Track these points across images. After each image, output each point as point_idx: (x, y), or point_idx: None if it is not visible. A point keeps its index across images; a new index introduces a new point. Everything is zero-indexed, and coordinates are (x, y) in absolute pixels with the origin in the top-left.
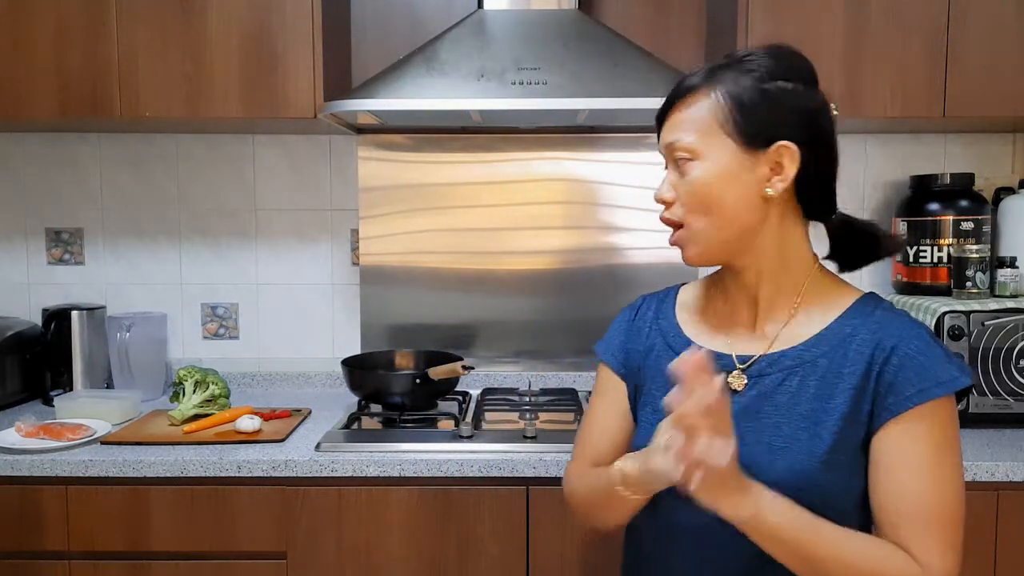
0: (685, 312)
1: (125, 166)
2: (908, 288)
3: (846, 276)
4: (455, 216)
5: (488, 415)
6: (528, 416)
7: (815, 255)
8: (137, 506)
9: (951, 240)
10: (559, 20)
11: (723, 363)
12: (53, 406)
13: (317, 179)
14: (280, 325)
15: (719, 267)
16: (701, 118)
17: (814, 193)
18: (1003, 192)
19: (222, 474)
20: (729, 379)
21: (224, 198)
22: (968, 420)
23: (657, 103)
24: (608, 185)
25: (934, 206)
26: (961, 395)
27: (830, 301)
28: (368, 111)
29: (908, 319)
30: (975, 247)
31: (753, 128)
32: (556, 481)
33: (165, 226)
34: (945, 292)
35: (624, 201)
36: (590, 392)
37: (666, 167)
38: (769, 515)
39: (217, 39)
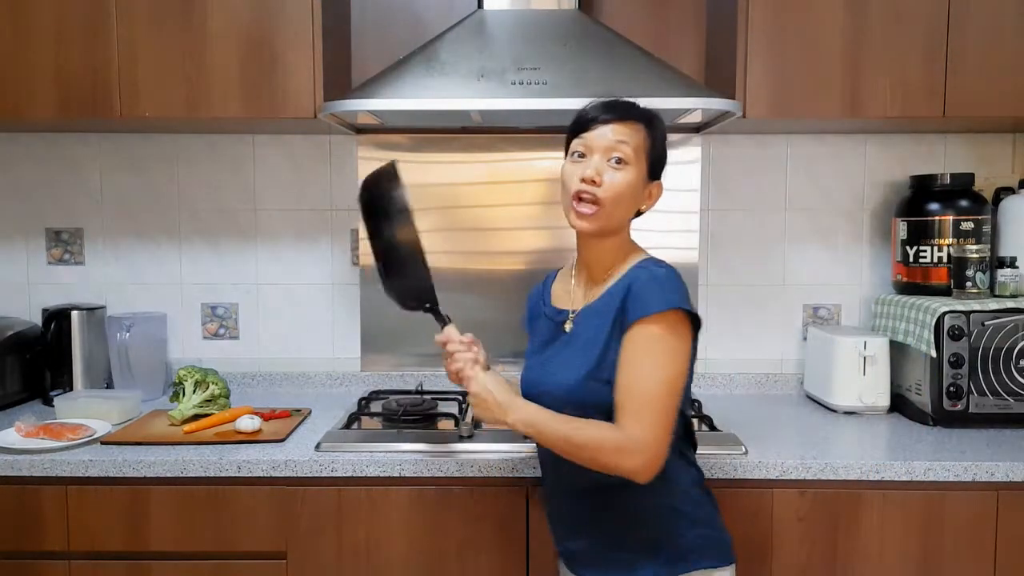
0: (555, 287)
1: (125, 166)
2: (908, 288)
3: None
4: (455, 216)
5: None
6: None
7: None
8: (137, 506)
9: (951, 240)
10: (559, 20)
11: (563, 315)
12: (53, 406)
13: (317, 179)
14: (280, 325)
15: (575, 257)
16: (638, 140)
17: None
18: (1003, 192)
19: (222, 474)
20: (564, 324)
21: (224, 198)
22: (968, 420)
23: (657, 103)
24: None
25: (934, 206)
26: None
27: (623, 267)
28: (368, 111)
29: (652, 266)
30: (975, 247)
31: (655, 164)
32: None
33: (165, 226)
34: (945, 292)
35: None
36: None
37: (582, 156)
38: (524, 416)
39: (217, 39)
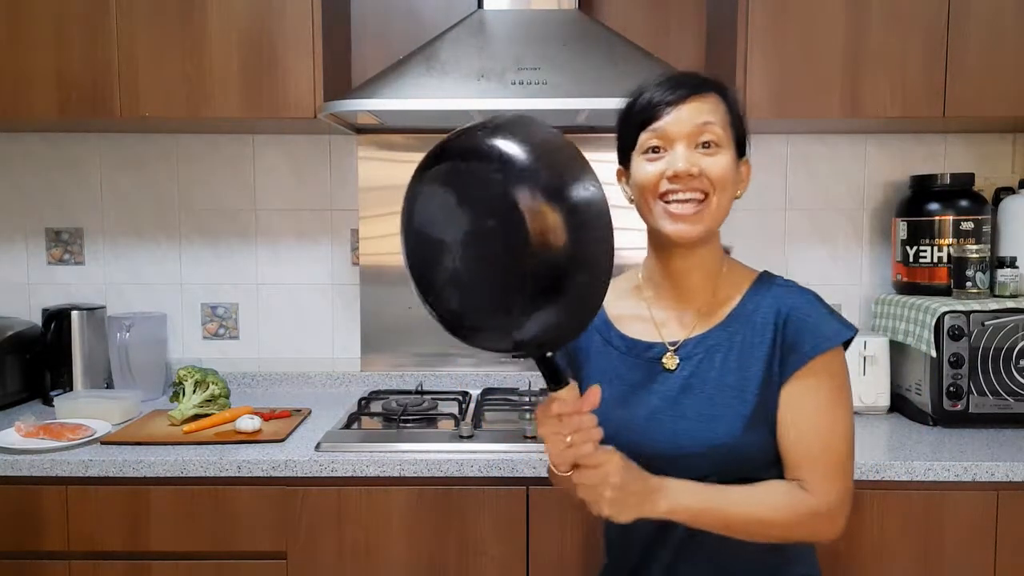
0: (616, 310)
1: (125, 166)
2: (908, 288)
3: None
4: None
5: (488, 415)
6: (528, 416)
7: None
8: (137, 506)
9: (951, 240)
10: (559, 20)
11: (656, 350)
12: (53, 406)
13: (317, 179)
14: (280, 325)
15: (633, 268)
16: (721, 115)
17: None
18: (1003, 192)
19: (222, 474)
20: (664, 360)
21: (224, 198)
22: (968, 420)
23: None
24: (608, 185)
25: (934, 206)
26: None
27: (734, 283)
28: (368, 111)
29: (798, 288)
30: (975, 247)
31: (740, 140)
32: None
33: (165, 226)
34: (945, 292)
35: (623, 201)
36: None
37: (658, 150)
38: (683, 501)
39: (217, 39)
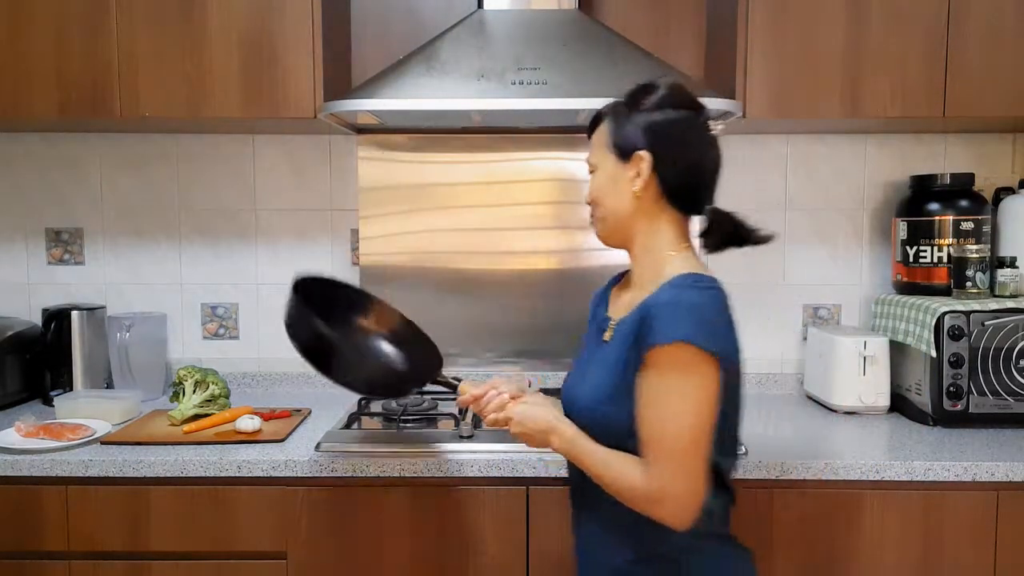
0: (614, 291)
1: (125, 166)
2: (908, 288)
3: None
4: (455, 216)
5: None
6: None
7: (687, 243)
8: (137, 506)
9: (951, 240)
10: (559, 20)
11: (605, 324)
12: (53, 406)
13: (317, 179)
14: (280, 325)
15: None
16: (599, 140)
17: (676, 191)
18: (1003, 192)
19: (222, 474)
20: (604, 334)
21: (224, 198)
22: (968, 420)
23: None
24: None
25: (934, 206)
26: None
27: (665, 278)
28: (368, 111)
29: (678, 289)
30: (975, 247)
31: (620, 143)
32: (556, 481)
33: (165, 226)
34: (945, 292)
35: None
36: None
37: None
38: (563, 445)
39: (217, 39)
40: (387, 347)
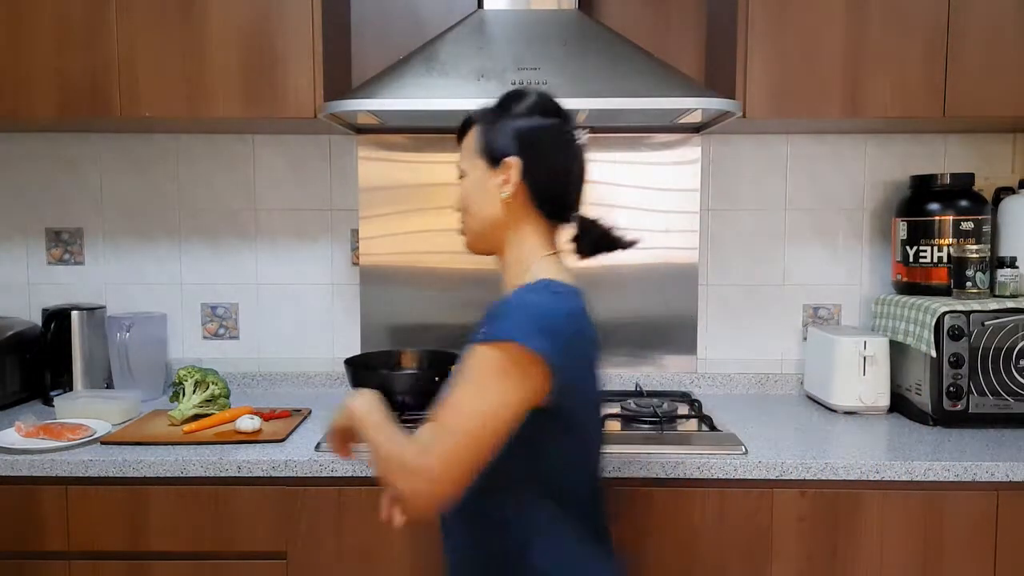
0: None
1: (125, 166)
2: (908, 288)
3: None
4: (455, 216)
5: None
6: None
7: (553, 250)
8: (137, 506)
9: (951, 240)
10: (559, 20)
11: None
12: (53, 406)
13: (317, 179)
14: (280, 325)
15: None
16: (468, 145)
17: (544, 198)
18: (1003, 192)
19: (222, 474)
20: None
21: (224, 198)
22: (968, 420)
23: (657, 103)
24: (608, 185)
25: (934, 206)
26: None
27: (515, 287)
28: (368, 111)
29: (525, 292)
30: (975, 247)
31: (490, 149)
32: None
33: (165, 226)
34: (945, 292)
35: (624, 201)
36: None
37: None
38: (364, 415)
39: (217, 39)
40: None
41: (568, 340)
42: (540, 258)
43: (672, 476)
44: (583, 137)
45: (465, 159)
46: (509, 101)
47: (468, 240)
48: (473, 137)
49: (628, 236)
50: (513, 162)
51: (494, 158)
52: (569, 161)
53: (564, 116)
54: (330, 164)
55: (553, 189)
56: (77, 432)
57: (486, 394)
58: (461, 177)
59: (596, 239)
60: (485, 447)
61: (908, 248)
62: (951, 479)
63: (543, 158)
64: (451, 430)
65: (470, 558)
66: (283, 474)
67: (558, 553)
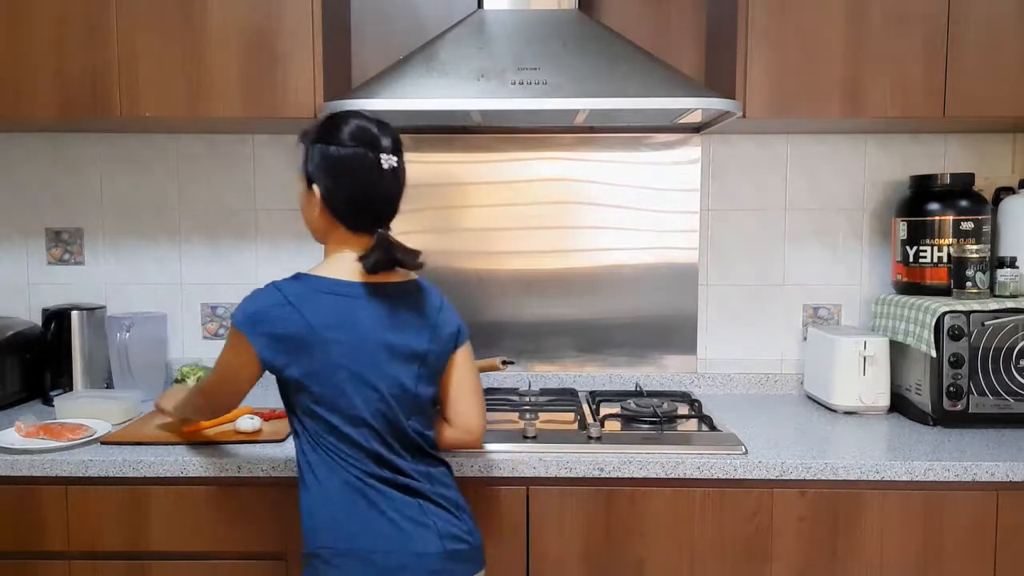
0: None
1: (125, 166)
2: (908, 288)
3: None
4: (455, 216)
5: (488, 415)
6: (528, 416)
7: (341, 252)
8: (137, 506)
9: (951, 240)
10: (559, 20)
11: None
12: (53, 406)
13: None
14: None
15: None
16: (300, 158)
17: (343, 215)
18: (1003, 192)
19: (222, 474)
20: None
21: (224, 198)
22: (968, 420)
23: (657, 103)
24: (608, 185)
25: (934, 206)
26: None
27: None
28: (368, 111)
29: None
30: (975, 247)
31: (305, 171)
32: (556, 481)
33: (165, 226)
34: (945, 292)
35: (624, 201)
36: (590, 392)
37: None
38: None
39: (217, 39)
40: None
41: (263, 318)
42: (325, 257)
43: (672, 476)
44: (389, 163)
45: (296, 171)
46: (325, 129)
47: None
48: (299, 155)
49: (418, 259)
50: (316, 191)
51: (308, 181)
52: (370, 185)
53: (372, 144)
54: None
55: (351, 209)
56: (77, 432)
57: (220, 359)
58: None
59: (380, 257)
60: (210, 397)
61: (908, 248)
62: (951, 479)
63: (341, 184)
64: (200, 386)
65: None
66: (283, 474)
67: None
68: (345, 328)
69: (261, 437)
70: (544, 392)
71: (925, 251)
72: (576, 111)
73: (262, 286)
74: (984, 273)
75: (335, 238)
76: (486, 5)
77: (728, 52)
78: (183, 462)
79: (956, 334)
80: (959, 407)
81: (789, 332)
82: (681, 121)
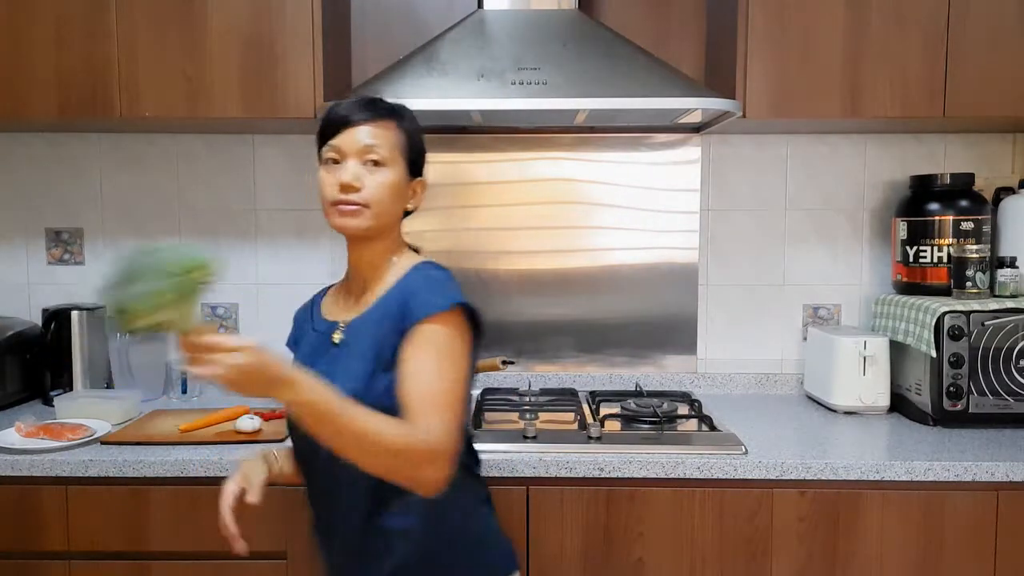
0: (326, 303)
1: (125, 166)
2: (908, 288)
3: None
4: (455, 216)
5: (488, 415)
6: (528, 416)
7: (406, 244)
8: (137, 506)
9: (951, 240)
10: (559, 20)
11: (331, 327)
12: (53, 406)
13: (317, 179)
14: (280, 325)
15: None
16: (392, 140)
17: (412, 210)
18: (1003, 192)
19: (222, 474)
20: (333, 335)
21: (224, 198)
22: (968, 420)
23: (657, 103)
24: (608, 185)
25: (934, 206)
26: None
27: (397, 273)
28: None
29: (428, 270)
30: (975, 247)
31: (415, 161)
32: (556, 481)
33: (165, 226)
34: (945, 292)
35: (624, 201)
36: (590, 392)
37: (336, 162)
38: (306, 395)
39: (217, 39)
40: None
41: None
42: (404, 251)
43: (672, 476)
44: None
45: (387, 149)
46: (410, 113)
47: (362, 227)
48: (399, 135)
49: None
50: (423, 184)
51: (414, 171)
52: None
53: None
54: None
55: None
56: (77, 432)
57: (462, 361)
58: (377, 164)
59: None
60: (466, 407)
61: (908, 248)
62: (951, 479)
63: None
64: (442, 401)
65: (416, 541)
66: None
67: (480, 515)
68: None
69: (261, 437)
70: (544, 392)
71: (925, 251)
72: (576, 111)
73: (439, 271)
74: (984, 273)
75: (397, 228)
76: (486, 5)
77: (728, 52)
78: (183, 462)
79: (956, 334)
80: (959, 407)
81: (789, 332)
82: (681, 121)
